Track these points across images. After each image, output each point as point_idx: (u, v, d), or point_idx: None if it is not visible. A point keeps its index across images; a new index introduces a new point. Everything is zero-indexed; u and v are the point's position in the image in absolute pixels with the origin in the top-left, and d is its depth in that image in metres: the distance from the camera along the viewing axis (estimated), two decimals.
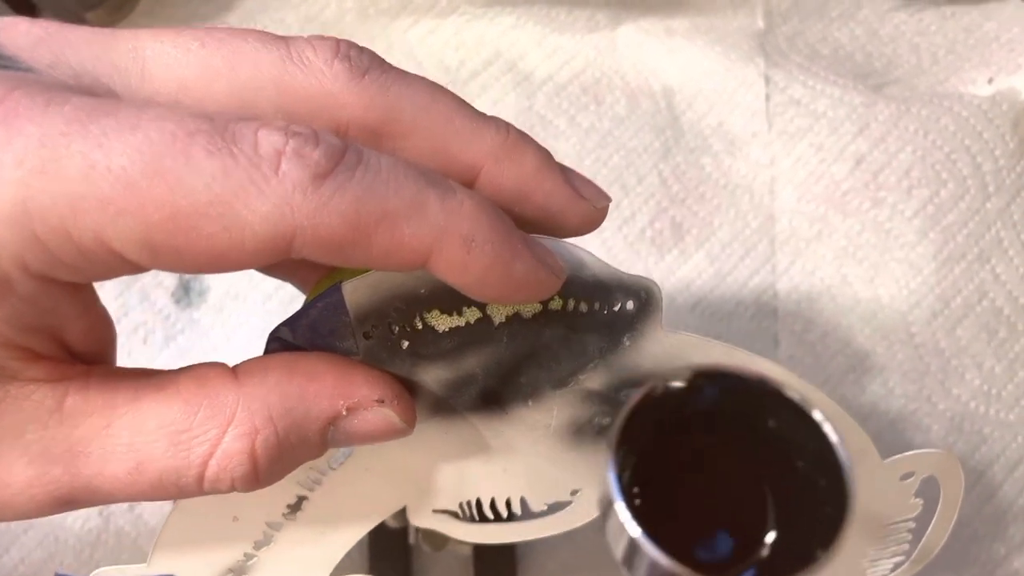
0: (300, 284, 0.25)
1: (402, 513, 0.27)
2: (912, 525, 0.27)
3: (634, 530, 0.16)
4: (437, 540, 0.30)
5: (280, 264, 0.23)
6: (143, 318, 0.37)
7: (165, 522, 0.23)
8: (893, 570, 0.28)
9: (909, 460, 0.25)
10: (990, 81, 0.38)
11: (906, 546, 0.28)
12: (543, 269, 0.18)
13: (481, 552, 0.32)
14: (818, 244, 0.37)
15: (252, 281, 0.37)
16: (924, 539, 0.27)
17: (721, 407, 0.18)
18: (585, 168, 0.39)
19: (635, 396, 0.17)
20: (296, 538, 0.23)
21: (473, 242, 0.17)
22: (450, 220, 0.17)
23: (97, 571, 0.23)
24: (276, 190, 0.16)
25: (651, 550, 0.16)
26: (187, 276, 0.38)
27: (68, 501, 0.19)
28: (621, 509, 0.16)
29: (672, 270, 0.38)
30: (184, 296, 0.37)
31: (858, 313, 0.36)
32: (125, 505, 0.37)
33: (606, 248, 0.38)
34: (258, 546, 0.23)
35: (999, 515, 0.35)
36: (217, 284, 0.37)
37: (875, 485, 0.25)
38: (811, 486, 0.17)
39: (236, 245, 0.16)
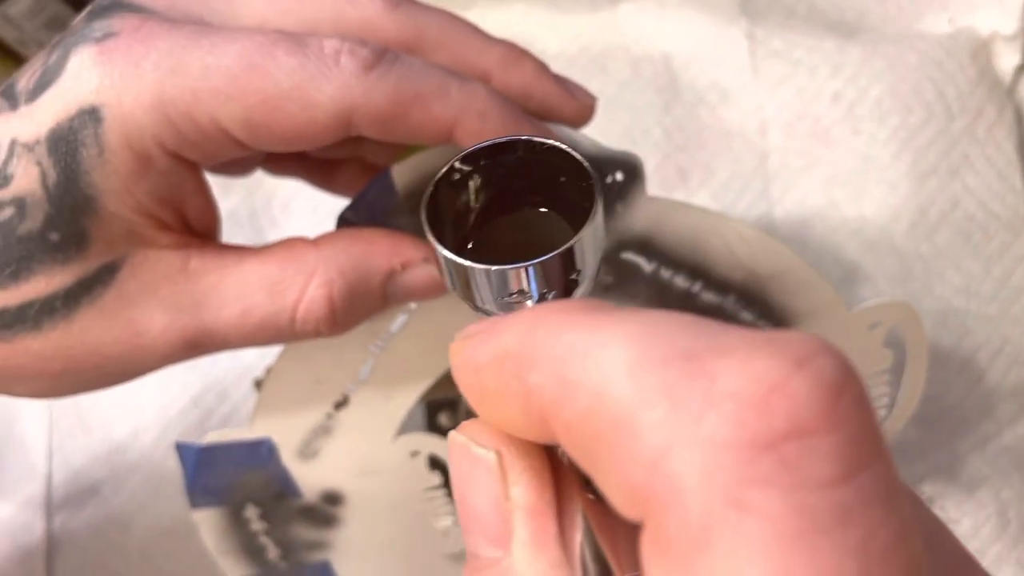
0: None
1: (454, 410, 0.32)
2: (888, 377, 0.32)
3: (438, 246, 0.18)
4: None
5: (337, 173, 0.29)
6: None
7: (261, 391, 0.29)
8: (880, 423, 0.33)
9: (872, 310, 0.30)
10: (949, 22, 0.43)
11: (886, 400, 0.32)
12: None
13: None
14: (806, 175, 0.42)
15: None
16: (901, 386, 0.32)
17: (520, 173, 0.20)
18: (597, 125, 0.44)
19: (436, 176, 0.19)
20: (368, 398, 0.29)
21: (486, 115, 0.23)
22: (468, 99, 0.23)
23: (209, 434, 0.29)
24: (338, 76, 0.22)
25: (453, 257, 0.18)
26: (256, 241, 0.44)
27: (195, 345, 0.24)
28: (430, 238, 0.19)
29: None
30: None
31: (846, 231, 0.41)
32: None
33: None
34: (337, 407, 0.29)
35: (986, 397, 0.39)
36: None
37: (847, 335, 0.30)
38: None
39: (310, 120, 0.22)
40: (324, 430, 0.29)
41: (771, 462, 0.12)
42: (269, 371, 0.28)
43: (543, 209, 0.20)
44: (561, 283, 0.18)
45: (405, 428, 0.30)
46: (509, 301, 0.18)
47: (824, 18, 0.45)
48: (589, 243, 0.18)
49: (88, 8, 0.24)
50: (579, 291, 0.19)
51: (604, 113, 0.45)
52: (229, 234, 0.45)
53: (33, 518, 0.41)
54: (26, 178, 0.22)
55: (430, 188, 0.19)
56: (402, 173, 0.25)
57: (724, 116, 0.43)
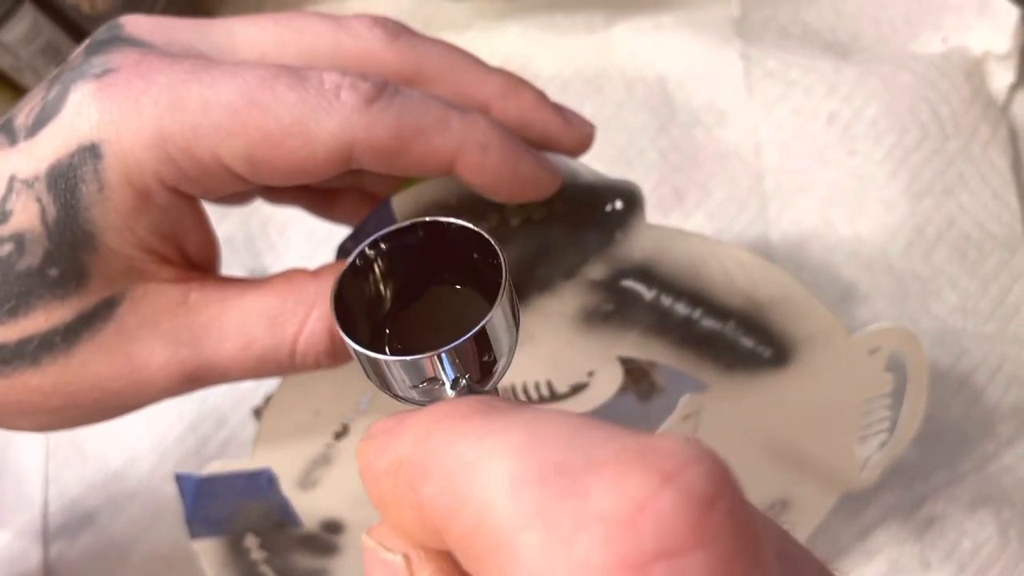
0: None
1: None
2: (889, 401, 0.32)
3: (348, 340, 0.18)
4: None
5: (334, 201, 0.29)
6: None
7: (261, 422, 0.29)
8: (880, 448, 0.33)
9: (872, 335, 0.30)
10: (943, 41, 0.43)
11: (887, 423, 0.32)
12: (542, 169, 0.24)
13: None
14: (802, 195, 0.42)
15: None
16: (902, 410, 0.32)
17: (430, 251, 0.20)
18: (592, 148, 0.44)
19: (346, 262, 0.20)
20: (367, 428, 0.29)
21: (487, 148, 0.23)
22: (468, 132, 0.23)
23: (210, 464, 0.29)
24: (339, 111, 0.22)
25: (355, 346, 0.18)
26: (253, 266, 0.44)
27: (195, 378, 0.24)
28: (339, 332, 0.19)
29: None
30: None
31: (843, 250, 0.41)
32: None
33: None
34: (337, 437, 0.29)
35: (985, 416, 0.39)
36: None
37: (847, 361, 0.30)
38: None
39: (311, 155, 0.22)
40: (324, 460, 0.29)
41: None
42: (269, 402, 0.28)
43: (459, 287, 0.20)
44: (476, 365, 0.18)
45: None
46: (426, 388, 0.18)
47: (819, 39, 0.45)
48: (500, 322, 0.18)
49: (86, 42, 0.24)
50: (498, 367, 0.19)
51: (600, 134, 0.45)
52: (226, 260, 0.44)
53: (29, 547, 0.41)
54: (25, 214, 0.22)
55: (336, 282, 0.19)
56: (402, 203, 0.25)
57: (719, 137, 0.44)
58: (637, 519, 0.12)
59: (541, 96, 0.26)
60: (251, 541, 0.31)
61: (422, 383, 0.18)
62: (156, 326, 0.23)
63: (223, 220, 0.45)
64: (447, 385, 0.18)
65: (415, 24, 0.27)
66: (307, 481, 0.29)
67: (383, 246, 0.20)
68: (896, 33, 0.45)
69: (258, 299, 0.24)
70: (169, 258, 0.24)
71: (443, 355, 0.18)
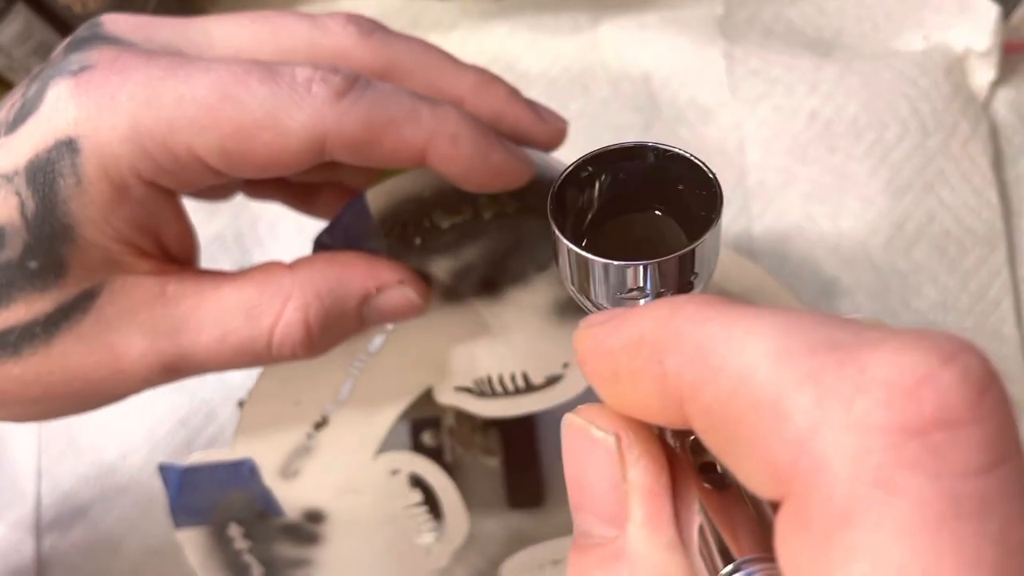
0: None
1: (436, 428, 0.32)
2: None
3: (563, 239, 0.19)
4: (465, 439, 0.35)
5: (312, 194, 0.30)
6: None
7: (242, 413, 0.29)
8: None
9: None
10: (924, 39, 0.44)
11: None
12: (514, 158, 0.24)
13: (509, 465, 0.37)
14: (785, 191, 0.43)
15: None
16: None
17: (641, 176, 0.21)
18: (578, 145, 0.45)
19: (563, 171, 0.20)
20: (347, 419, 0.29)
21: (458, 138, 0.23)
22: (439, 123, 0.23)
23: (193, 454, 0.29)
24: (310, 103, 0.22)
25: (573, 247, 0.19)
26: (242, 264, 0.44)
27: (173, 369, 0.25)
28: (555, 232, 0.19)
29: None
30: None
31: (824, 246, 0.42)
32: None
33: None
34: (317, 427, 0.29)
35: None
36: None
37: None
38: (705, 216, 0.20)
39: (284, 147, 0.22)
40: (305, 450, 0.30)
41: (919, 447, 0.12)
42: (250, 392, 0.29)
43: (657, 213, 0.21)
44: (677, 284, 0.19)
45: (386, 446, 0.30)
46: (623, 297, 0.19)
47: (801, 37, 0.45)
48: (710, 248, 0.19)
49: (67, 40, 0.24)
50: (695, 291, 0.19)
51: (585, 132, 0.46)
52: (215, 256, 0.45)
53: (22, 540, 0.42)
54: (4, 208, 0.22)
55: (557, 184, 0.20)
56: (376, 197, 0.26)
57: (703, 134, 0.44)
58: (919, 389, 0.12)
59: (513, 92, 0.27)
60: (235, 531, 0.31)
61: (624, 292, 0.19)
62: (134, 317, 0.24)
63: (212, 218, 0.45)
64: (648, 297, 0.19)
65: (401, 23, 0.28)
66: (288, 471, 0.30)
67: (603, 160, 0.20)
68: (878, 31, 0.45)
69: (235, 291, 0.25)
70: (147, 250, 0.24)
71: (652, 267, 0.18)
